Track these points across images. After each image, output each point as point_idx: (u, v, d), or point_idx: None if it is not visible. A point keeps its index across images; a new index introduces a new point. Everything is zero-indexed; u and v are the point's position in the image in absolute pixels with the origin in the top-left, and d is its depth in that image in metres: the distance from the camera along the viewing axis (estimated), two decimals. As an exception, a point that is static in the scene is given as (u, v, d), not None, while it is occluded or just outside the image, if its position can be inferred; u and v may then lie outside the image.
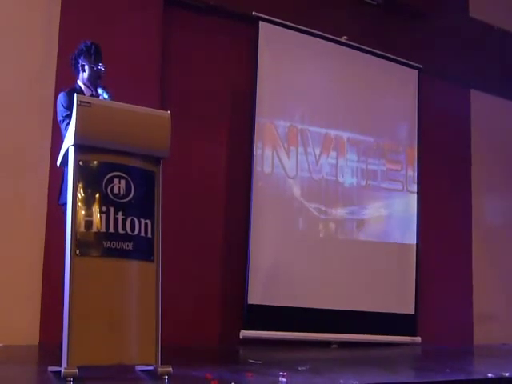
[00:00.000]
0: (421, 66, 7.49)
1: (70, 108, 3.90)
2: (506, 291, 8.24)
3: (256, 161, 6.19)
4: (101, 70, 4.18)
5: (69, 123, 3.86)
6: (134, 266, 3.31)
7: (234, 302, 6.09)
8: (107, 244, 3.21)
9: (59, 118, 4.10)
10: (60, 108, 4.09)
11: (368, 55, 7.11)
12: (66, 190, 3.85)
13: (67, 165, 3.34)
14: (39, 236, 5.21)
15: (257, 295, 6.01)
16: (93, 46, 4.21)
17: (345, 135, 6.81)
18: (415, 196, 7.26)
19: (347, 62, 6.95)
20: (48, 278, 5.13)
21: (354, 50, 7.01)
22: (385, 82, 7.24)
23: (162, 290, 3.35)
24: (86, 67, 4.20)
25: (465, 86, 8.27)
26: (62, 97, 4.11)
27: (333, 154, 6.70)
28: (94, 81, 4.17)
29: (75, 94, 3.36)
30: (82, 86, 4.23)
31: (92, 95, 4.12)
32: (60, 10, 5.56)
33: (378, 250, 6.87)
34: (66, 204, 3.91)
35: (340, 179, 6.68)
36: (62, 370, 2.99)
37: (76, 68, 4.27)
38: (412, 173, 7.30)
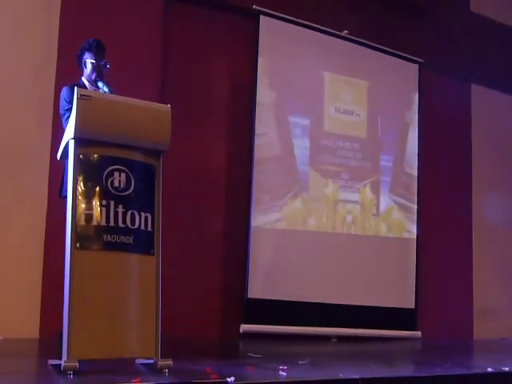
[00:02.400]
0: (421, 61, 7.49)
1: (71, 102, 3.93)
2: (506, 286, 8.26)
3: (256, 154, 6.18)
4: (102, 65, 4.20)
5: (69, 117, 3.89)
6: (134, 260, 3.31)
7: (234, 295, 6.09)
8: (107, 237, 3.21)
9: (61, 111, 4.14)
10: (62, 102, 4.13)
11: (369, 49, 7.10)
12: (67, 183, 3.87)
13: (67, 158, 3.34)
14: (39, 229, 5.22)
15: (257, 289, 6.02)
16: (94, 43, 4.24)
17: (345, 129, 6.80)
18: (415, 190, 7.24)
19: (348, 57, 6.95)
20: (48, 271, 5.14)
21: (354, 44, 7.00)
22: (385, 76, 7.23)
23: (162, 284, 3.35)
24: (88, 63, 4.22)
25: (465, 80, 8.26)
26: (64, 91, 4.15)
27: (333, 148, 6.68)
28: (96, 77, 4.19)
29: (76, 88, 3.36)
30: (86, 83, 4.26)
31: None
32: (60, 3, 5.56)
33: (378, 245, 6.86)
34: (67, 197, 3.92)
35: (340, 174, 6.66)
36: (62, 364, 2.99)
37: (80, 65, 4.29)
38: (413, 167, 7.28)
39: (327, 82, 6.76)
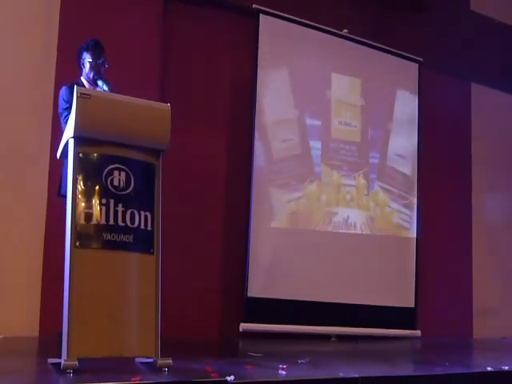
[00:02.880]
0: (421, 60, 7.48)
1: (69, 101, 3.98)
2: (506, 285, 8.26)
3: (256, 153, 6.20)
4: (100, 64, 4.22)
5: (67, 115, 3.93)
6: (133, 259, 3.31)
7: (234, 294, 6.10)
8: (107, 236, 3.21)
9: (59, 110, 4.17)
10: (61, 101, 4.18)
11: (368, 48, 7.11)
12: (66, 181, 3.87)
13: (67, 157, 3.34)
14: (39, 228, 5.22)
15: (257, 288, 6.02)
16: (92, 42, 4.28)
17: (344, 128, 6.82)
18: (415, 189, 7.26)
19: (348, 55, 6.96)
20: (48, 270, 5.14)
21: (354, 43, 7.01)
22: (385, 75, 7.24)
23: (162, 283, 3.35)
24: (87, 63, 4.25)
25: (465, 79, 8.26)
26: (63, 90, 4.19)
27: (337, 149, 6.75)
28: (94, 75, 4.21)
29: (75, 87, 3.38)
30: (85, 82, 4.29)
31: None
32: (60, 3, 5.56)
33: (378, 244, 6.88)
34: (65, 196, 3.95)
35: (342, 167, 6.72)
36: (62, 362, 2.99)
37: (79, 65, 4.32)
38: (412, 166, 7.30)
39: (327, 80, 6.80)
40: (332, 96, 6.83)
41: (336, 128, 6.79)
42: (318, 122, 6.68)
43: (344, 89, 6.91)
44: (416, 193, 7.23)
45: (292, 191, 6.31)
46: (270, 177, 6.30)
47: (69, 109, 4.00)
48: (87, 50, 4.27)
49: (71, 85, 4.16)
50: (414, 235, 7.19)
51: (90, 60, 4.23)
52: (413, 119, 7.38)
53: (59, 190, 4.08)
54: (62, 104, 4.14)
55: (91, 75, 4.23)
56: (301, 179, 6.45)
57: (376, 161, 6.73)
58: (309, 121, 6.62)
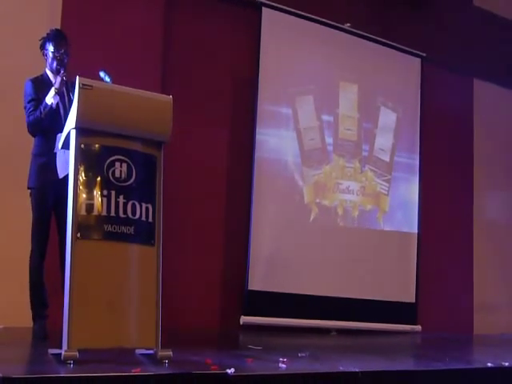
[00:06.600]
0: (424, 55, 7.47)
1: (31, 95, 4.11)
2: (507, 281, 8.26)
3: (257, 146, 6.19)
4: (62, 53, 4.22)
5: (30, 109, 4.07)
6: (134, 250, 3.31)
7: (235, 287, 6.10)
8: (108, 227, 3.21)
9: (23, 104, 4.19)
10: (24, 95, 4.19)
11: (371, 43, 7.11)
12: (34, 174, 3.98)
13: (68, 148, 3.33)
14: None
15: (257, 281, 6.03)
16: (53, 32, 4.29)
17: (346, 122, 6.82)
18: (417, 184, 7.28)
19: (350, 49, 6.96)
20: (49, 260, 5.12)
21: (356, 37, 7.00)
22: (387, 70, 7.24)
23: (163, 275, 3.35)
24: (49, 53, 4.24)
25: (468, 74, 8.24)
26: (26, 84, 4.21)
27: (342, 144, 6.79)
28: (56, 65, 4.23)
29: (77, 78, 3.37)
30: (49, 73, 4.29)
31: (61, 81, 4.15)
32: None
33: (379, 238, 6.89)
34: (33, 188, 3.97)
35: (345, 155, 6.82)
36: (63, 353, 2.99)
37: (44, 56, 4.33)
38: (414, 162, 7.31)
39: (329, 73, 6.83)
40: (328, 73, 6.95)
41: (340, 131, 6.89)
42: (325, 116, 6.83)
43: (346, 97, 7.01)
44: (418, 188, 7.30)
45: (315, 170, 6.70)
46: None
47: (31, 102, 4.08)
48: (49, 40, 4.25)
49: (35, 78, 4.21)
50: (416, 230, 7.19)
51: (52, 50, 4.22)
52: (415, 113, 7.41)
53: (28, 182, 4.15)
54: (25, 98, 4.17)
55: (54, 65, 4.23)
56: (321, 162, 6.75)
57: (366, 153, 7.08)
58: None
